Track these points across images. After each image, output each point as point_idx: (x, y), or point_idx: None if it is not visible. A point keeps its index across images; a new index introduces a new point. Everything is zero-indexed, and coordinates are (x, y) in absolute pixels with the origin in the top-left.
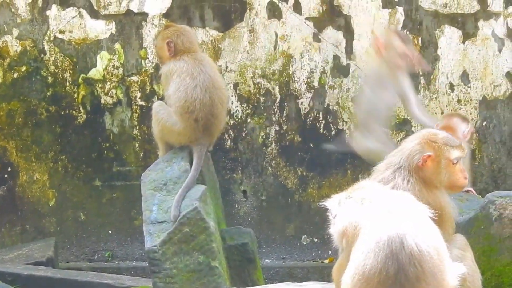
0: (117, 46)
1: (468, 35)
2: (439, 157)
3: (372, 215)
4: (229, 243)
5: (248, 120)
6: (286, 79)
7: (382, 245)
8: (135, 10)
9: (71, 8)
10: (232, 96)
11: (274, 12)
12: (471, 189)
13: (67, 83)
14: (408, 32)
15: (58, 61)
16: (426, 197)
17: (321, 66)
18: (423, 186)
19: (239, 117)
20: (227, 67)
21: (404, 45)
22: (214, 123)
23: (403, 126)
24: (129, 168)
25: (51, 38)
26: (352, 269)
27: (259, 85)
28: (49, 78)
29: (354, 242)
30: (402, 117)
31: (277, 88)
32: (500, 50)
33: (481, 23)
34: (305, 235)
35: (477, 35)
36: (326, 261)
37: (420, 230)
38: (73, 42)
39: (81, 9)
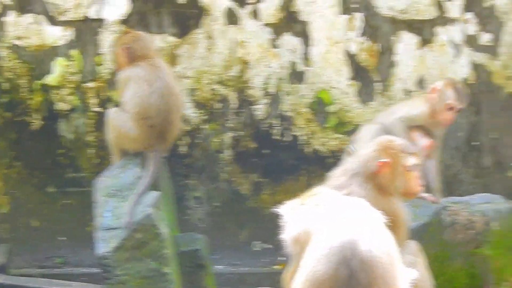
0: (74, 52)
1: (425, 41)
2: (395, 164)
3: (325, 221)
4: (182, 249)
5: (204, 126)
6: (243, 85)
7: (334, 251)
8: (93, 17)
9: (29, 14)
10: (188, 102)
11: (231, 18)
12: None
13: (23, 90)
14: (366, 38)
15: (15, 67)
16: (381, 204)
17: (278, 72)
18: (378, 193)
19: (195, 123)
20: (184, 73)
21: (457, 103)
22: (169, 130)
23: None
24: (83, 175)
25: (8, 45)
26: (304, 274)
27: (215, 91)
28: (5, 84)
29: (305, 248)
30: None
31: (233, 94)
32: (457, 56)
33: (438, 29)
34: (257, 241)
35: (434, 41)
36: (278, 267)
37: (372, 236)
38: (30, 49)
39: (38, 16)
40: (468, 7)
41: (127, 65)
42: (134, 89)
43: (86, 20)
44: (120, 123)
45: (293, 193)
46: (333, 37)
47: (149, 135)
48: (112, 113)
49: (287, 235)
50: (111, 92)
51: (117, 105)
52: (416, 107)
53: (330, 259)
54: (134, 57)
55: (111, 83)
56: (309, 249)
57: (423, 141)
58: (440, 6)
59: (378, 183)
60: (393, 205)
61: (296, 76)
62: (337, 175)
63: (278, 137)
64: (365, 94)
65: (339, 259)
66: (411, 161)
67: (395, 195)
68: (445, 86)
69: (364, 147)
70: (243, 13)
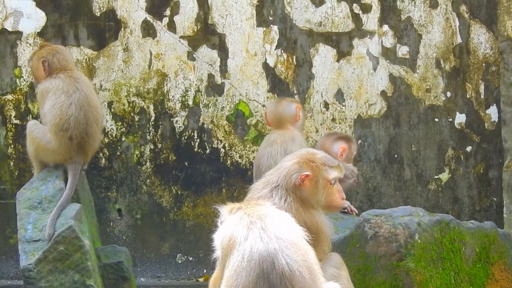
0: None
1: (342, 53)
2: (317, 177)
3: (246, 231)
4: (104, 262)
5: (123, 139)
6: (161, 97)
7: (253, 264)
8: (10, 29)
9: None
10: (107, 114)
11: (148, 30)
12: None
13: None
14: (282, 51)
15: None
16: (302, 217)
17: (196, 84)
18: (300, 206)
19: (114, 135)
20: (101, 86)
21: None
22: (89, 142)
23: None
24: (4, 187)
25: None
26: (225, 286)
27: (134, 104)
28: None
29: (228, 256)
30: None
31: (151, 107)
32: (375, 69)
33: (355, 42)
34: (180, 254)
35: (352, 54)
36: (201, 280)
37: (292, 249)
38: None
39: None
40: (384, 20)
41: (46, 77)
42: (52, 100)
43: (3, 32)
44: (39, 135)
45: (213, 206)
46: (250, 49)
47: (68, 147)
48: (31, 125)
49: (216, 237)
50: (30, 104)
51: (36, 117)
52: None
53: (250, 272)
54: (52, 69)
55: (30, 95)
56: (230, 258)
57: (336, 147)
58: (356, 19)
59: (300, 196)
60: (315, 218)
61: (214, 89)
62: (258, 187)
63: (198, 150)
64: None
65: (258, 273)
66: (333, 174)
67: (317, 208)
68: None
69: (286, 160)
70: (160, 25)
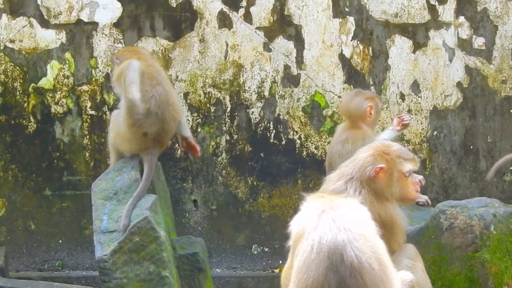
0: (68, 55)
1: (418, 44)
2: (391, 170)
3: (317, 220)
4: (180, 253)
5: (199, 130)
6: (237, 88)
7: (322, 256)
8: (86, 20)
9: (22, 17)
10: (183, 105)
11: (224, 21)
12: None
13: (18, 93)
14: (358, 42)
15: (8, 70)
16: (377, 209)
17: (272, 75)
18: (374, 198)
19: (190, 126)
20: (177, 77)
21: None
22: (165, 137)
23: None
24: (79, 178)
25: (1, 48)
26: (296, 281)
27: (210, 95)
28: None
29: (298, 245)
30: None
31: (227, 98)
32: (451, 60)
33: (431, 33)
34: (256, 245)
35: (428, 45)
36: (277, 271)
37: (360, 241)
38: (23, 52)
39: (31, 19)
40: (460, 11)
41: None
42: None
43: (79, 23)
44: (117, 123)
45: (289, 197)
46: (327, 40)
47: (143, 140)
48: (114, 114)
49: (290, 230)
50: (106, 95)
51: (112, 108)
52: None
53: (319, 265)
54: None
55: (105, 86)
56: (299, 250)
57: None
58: (432, 10)
59: (374, 188)
60: (389, 211)
61: (290, 80)
62: (333, 179)
63: (273, 141)
64: None
65: (327, 265)
66: (408, 166)
67: (391, 200)
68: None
69: (361, 152)
70: (236, 16)
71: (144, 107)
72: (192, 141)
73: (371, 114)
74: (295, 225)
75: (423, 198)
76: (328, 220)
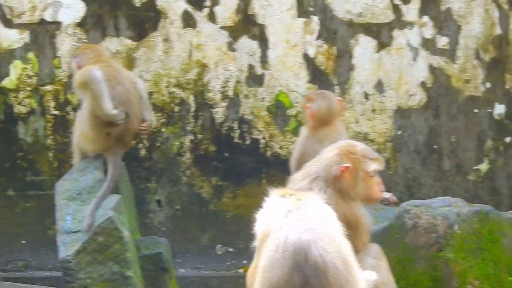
0: (31, 55)
1: (383, 44)
2: (356, 169)
3: (282, 219)
4: (144, 253)
5: (163, 130)
6: (201, 88)
7: (287, 256)
8: (49, 19)
9: None
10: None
11: (188, 21)
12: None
13: None
14: (322, 42)
15: None
16: (342, 208)
17: (236, 75)
18: (340, 197)
19: (154, 126)
20: (141, 77)
21: None
22: (129, 136)
23: None
24: (43, 178)
25: None
26: (261, 280)
27: (174, 95)
28: None
29: (263, 244)
30: None
31: (191, 98)
32: (414, 60)
33: (396, 33)
34: (220, 245)
35: (392, 45)
36: (241, 271)
37: (325, 241)
38: None
39: None
40: (424, 11)
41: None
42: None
43: (42, 22)
44: (81, 123)
45: (253, 197)
46: (291, 40)
47: (106, 139)
48: (79, 114)
49: (255, 229)
50: (70, 95)
51: (76, 108)
52: None
53: (284, 264)
54: (87, 61)
55: (69, 86)
56: (265, 247)
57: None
58: (396, 10)
59: (340, 188)
60: (354, 210)
61: (255, 79)
62: (298, 178)
63: (238, 140)
64: None
65: (292, 265)
66: (373, 166)
67: (356, 200)
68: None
69: (326, 151)
70: (200, 16)
71: (120, 114)
72: (148, 124)
73: (342, 109)
74: (261, 224)
75: (388, 194)
76: (294, 219)
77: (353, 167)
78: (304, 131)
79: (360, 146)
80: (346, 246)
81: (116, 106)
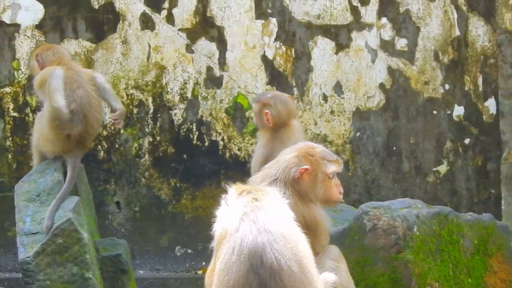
0: None
1: (341, 46)
2: (316, 171)
3: (238, 222)
4: (103, 254)
5: (121, 131)
6: (159, 90)
7: (243, 259)
8: (8, 21)
9: None
10: (105, 107)
11: (147, 23)
12: None
13: None
14: (281, 43)
15: None
16: (301, 210)
17: (194, 77)
18: (299, 199)
19: (113, 128)
20: None
21: None
22: (88, 139)
23: None
24: (2, 179)
25: None
26: (217, 283)
27: (132, 96)
28: None
29: (220, 247)
30: None
31: (150, 99)
32: (373, 61)
33: (354, 34)
34: (179, 246)
35: (351, 46)
36: (200, 272)
37: (281, 243)
38: None
39: None
40: (383, 12)
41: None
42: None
43: (0, 24)
44: (41, 125)
45: (212, 198)
46: (249, 42)
47: (66, 142)
48: (38, 115)
49: (214, 230)
50: (29, 97)
51: (35, 110)
52: None
53: (240, 267)
54: (47, 62)
55: (28, 88)
56: (222, 249)
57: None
58: (355, 12)
59: (298, 190)
60: (313, 212)
61: (213, 81)
62: (257, 180)
63: (196, 142)
64: None
65: (248, 268)
66: (332, 168)
67: (315, 202)
68: None
69: (285, 153)
70: (158, 18)
71: (69, 112)
72: (119, 114)
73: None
74: (218, 226)
75: None
76: (250, 222)
77: (312, 169)
78: (263, 134)
79: (319, 148)
80: (303, 248)
81: (76, 109)
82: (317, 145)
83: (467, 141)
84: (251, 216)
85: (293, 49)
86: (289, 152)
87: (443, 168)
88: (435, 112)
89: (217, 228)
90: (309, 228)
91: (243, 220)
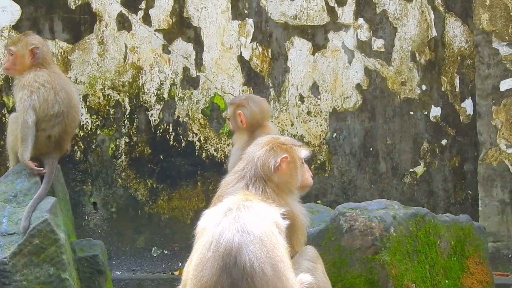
0: None
1: (318, 46)
2: (293, 158)
3: (219, 219)
4: (80, 255)
5: (98, 132)
6: (136, 91)
7: (218, 257)
8: None
9: None
10: (82, 108)
11: (123, 24)
12: None
13: None
14: (257, 44)
15: None
16: (279, 206)
17: (171, 78)
18: (276, 195)
19: (89, 128)
20: (76, 79)
21: None
22: (66, 140)
23: None
24: None
25: None
26: (192, 278)
27: (109, 97)
28: None
29: (199, 240)
30: None
31: (126, 100)
32: (350, 62)
33: (331, 35)
34: (155, 247)
35: (327, 47)
36: (176, 273)
37: (256, 245)
38: None
39: None
40: (360, 13)
41: (29, 68)
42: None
43: None
44: (18, 127)
45: (189, 199)
46: (226, 42)
47: (46, 144)
48: (12, 117)
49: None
50: (5, 97)
51: (11, 111)
52: None
53: (213, 265)
54: (40, 60)
55: (4, 88)
56: (199, 246)
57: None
58: (331, 12)
59: (278, 183)
60: (291, 207)
61: (190, 82)
62: (231, 182)
63: (173, 143)
64: None
65: (221, 266)
66: (304, 152)
67: (293, 193)
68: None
69: (254, 150)
70: (135, 19)
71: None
72: None
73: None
74: (202, 219)
75: None
76: (231, 219)
77: (290, 156)
78: (239, 137)
79: (284, 137)
80: (280, 253)
81: (58, 111)
82: (279, 135)
83: (444, 142)
84: (234, 214)
85: (269, 50)
86: (259, 147)
87: (420, 169)
88: (412, 112)
89: (202, 219)
90: (288, 224)
91: (226, 215)
